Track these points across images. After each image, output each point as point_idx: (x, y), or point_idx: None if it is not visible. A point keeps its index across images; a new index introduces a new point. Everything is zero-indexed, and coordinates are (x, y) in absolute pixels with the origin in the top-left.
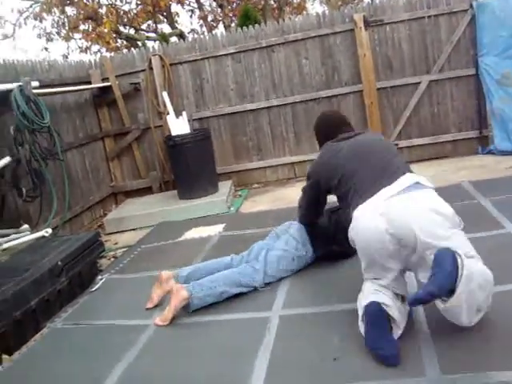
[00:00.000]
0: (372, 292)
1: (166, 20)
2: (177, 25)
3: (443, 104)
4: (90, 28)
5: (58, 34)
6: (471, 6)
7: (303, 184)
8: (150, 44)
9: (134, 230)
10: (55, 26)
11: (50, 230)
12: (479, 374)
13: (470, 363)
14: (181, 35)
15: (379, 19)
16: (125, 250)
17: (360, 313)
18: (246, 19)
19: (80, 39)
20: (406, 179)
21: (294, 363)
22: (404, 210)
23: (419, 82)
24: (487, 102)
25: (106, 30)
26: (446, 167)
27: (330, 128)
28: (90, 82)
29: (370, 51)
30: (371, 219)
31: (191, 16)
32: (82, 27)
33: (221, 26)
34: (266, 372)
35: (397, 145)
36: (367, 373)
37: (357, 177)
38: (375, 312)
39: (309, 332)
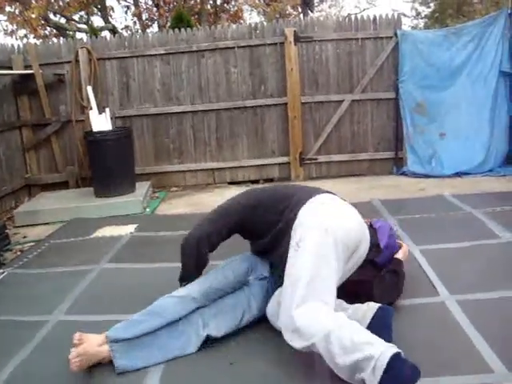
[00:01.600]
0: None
1: (99, 13)
2: (110, 19)
3: (363, 124)
4: (17, 11)
5: None
6: (395, 34)
7: (222, 190)
8: (79, 36)
9: (46, 224)
10: None
11: None
12: None
13: None
14: (113, 30)
15: (309, 36)
16: (33, 244)
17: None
18: (179, 22)
19: (5, 21)
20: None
21: (191, 368)
22: None
23: (342, 100)
24: (404, 126)
25: (33, 16)
26: (361, 185)
27: None
28: (11, 68)
29: (298, 66)
30: None
31: (126, 12)
32: (7, 9)
33: (155, 25)
34: (162, 373)
35: (316, 159)
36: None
37: None
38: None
39: None
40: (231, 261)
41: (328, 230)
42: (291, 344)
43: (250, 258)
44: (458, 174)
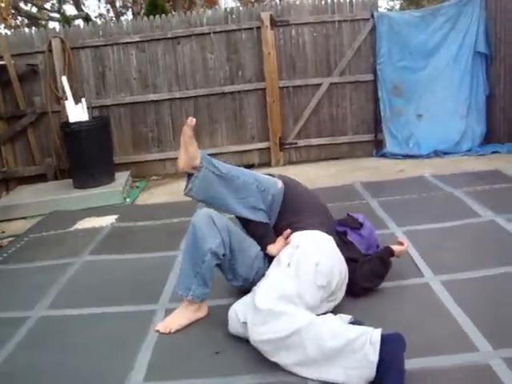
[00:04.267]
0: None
1: (71, 1)
2: (83, 7)
3: (342, 107)
4: None
5: None
6: (372, 16)
7: None
8: (52, 25)
9: (24, 218)
10: None
11: None
12: None
13: None
14: (86, 18)
15: (285, 19)
16: (12, 239)
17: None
18: (154, 8)
19: None
20: None
21: (177, 357)
22: None
23: (320, 84)
24: (381, 108)
25: (2, 5)
26: (341, 168)
27: None
28: None
29: (275, 50)
30: None
31: (99, 0)
32: None
33: (129, 13)
34: (148, 366)
35: (296, 143)
36: (250, 366)
37: None
38: None
39: (195, 326)
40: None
41: (319, 266)
42: (262, 338)
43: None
44: (438, 154)
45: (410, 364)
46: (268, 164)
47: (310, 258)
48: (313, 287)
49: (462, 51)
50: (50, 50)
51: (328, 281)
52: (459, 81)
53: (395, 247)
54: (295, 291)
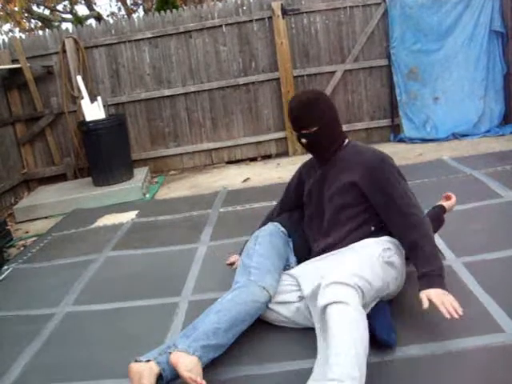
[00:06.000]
0: None
1: (83, 1)
2: (95, 7)
3: (357, 93)
4: None
5: None
6: (384, 0)
7: (220, 170)
8: (65, 26)
9: (46, 218)
10: None
11: None
12: None
13: None
14: (98, 18)
15: (296, 8)
16: (35, 238)
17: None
18: (164, 4)
19: None
20: None
21: None
22: None
23: (335, 71)
24: (397, 93)
25: (16, 9)
26: None
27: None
28: None
29: (287, 39)
30: None
31: None
32: None
33: (141, 9)
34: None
35: None
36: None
37: None
38: None
39: None
40: (278, 247)
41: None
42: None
43: (285, 242)
44: (456, 137)
45: (436, 347)
46: (285, 153)
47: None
48: (378, 287)
49: (477, 30)
50: (64, 51)
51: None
52: (475, 61)
53: (445, 203)
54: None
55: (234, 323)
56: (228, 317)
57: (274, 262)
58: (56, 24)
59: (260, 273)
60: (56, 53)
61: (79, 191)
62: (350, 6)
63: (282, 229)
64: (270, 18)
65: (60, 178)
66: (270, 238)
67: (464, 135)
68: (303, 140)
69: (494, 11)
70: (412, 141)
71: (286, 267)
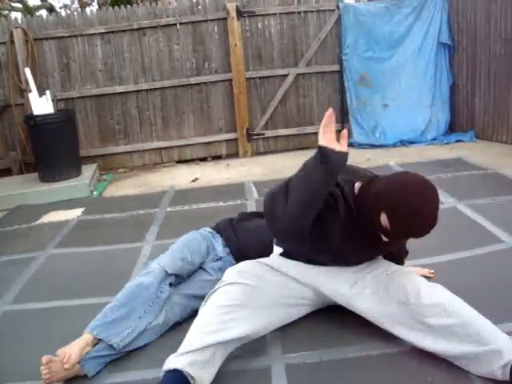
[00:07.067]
0: None
1: None
2: None
3: (309, 97)
4: None
5: None
6: (338, 6)
7: (170, 170)
8: (14, 15)
9: None
10: None
11: None
12: None
13: None
14: (50, 9)
15: (251, 10)
16: None
17: None
18: None
19: None
20: None
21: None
22: None
23: (287, 75)
24: (348, 99)
25: None
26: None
27: None
28: None
29: (241, 41)
30: None
31: None
32: None
33: (95, 3)
34: None
35: (263, 134)
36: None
37: None
38: None
39: None
40: (190, 240)
41: None
42: None
43: (206, 236)
44: (403, 144)
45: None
46: (236, 155)
47: None
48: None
49: (426, 42)
50: (12, 41)
51: None
52: (424, 71)
53: None
54: None
55: (129, 298)
56: (123, 293)
57: (180, 249)
58: (4, 13)
59: (162, 256)
60: (3, 43)
61: (25, 186)
62: (304, 11)
63: (209, 229)
64: (224, 19)
65: (5, 172)
66: (186, 236)
67: (411, 142)
68: (385, 238)
69: (442, 24)
70: (361, 146)
71: (214, 257)
